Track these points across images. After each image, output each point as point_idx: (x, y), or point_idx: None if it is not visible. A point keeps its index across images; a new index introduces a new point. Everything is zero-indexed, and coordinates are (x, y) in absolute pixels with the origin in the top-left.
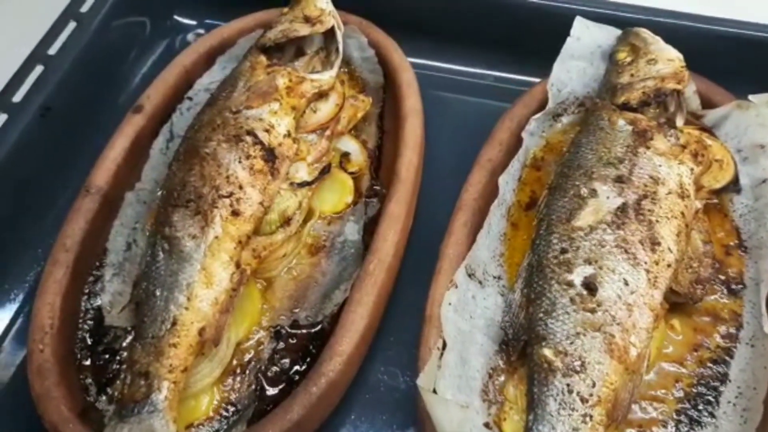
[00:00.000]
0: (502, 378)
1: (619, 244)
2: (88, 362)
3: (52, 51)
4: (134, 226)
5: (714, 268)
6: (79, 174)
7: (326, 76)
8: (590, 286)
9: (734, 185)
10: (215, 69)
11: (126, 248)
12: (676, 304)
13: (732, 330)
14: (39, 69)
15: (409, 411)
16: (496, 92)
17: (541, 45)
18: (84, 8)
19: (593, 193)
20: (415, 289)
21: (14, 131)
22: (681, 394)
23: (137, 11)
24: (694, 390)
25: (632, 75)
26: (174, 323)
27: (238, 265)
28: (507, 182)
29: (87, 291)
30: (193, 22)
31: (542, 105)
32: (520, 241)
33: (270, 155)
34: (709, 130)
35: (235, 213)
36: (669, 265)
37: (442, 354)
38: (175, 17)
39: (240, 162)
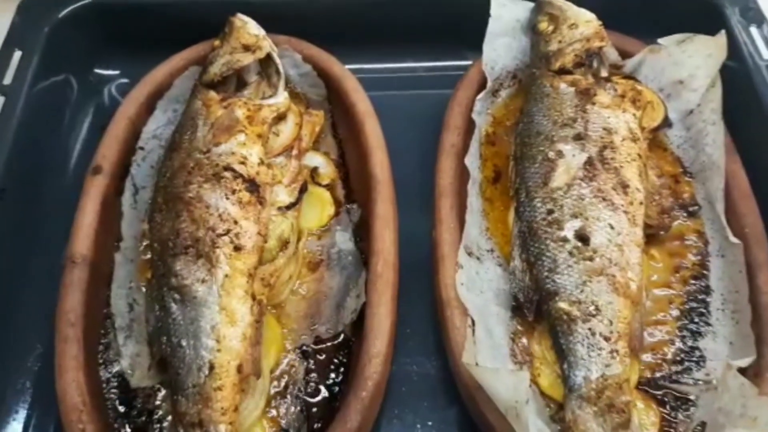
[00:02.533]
0: (524, 340)
1: (596, 194)
2: (128, 429)
3: None
4: (130, 286)
5: (672, 197)
6: (52, 246)
7: (281, 99)
8: (583, 237)
9: (666, 121)
10: (158, 114)
11: (129, 309)
12: (650, 235)
13: (701, 247)
14: None
15: (446, 392)
16: (432, 81)
17: (464, 30)
18: (7, 80)
19: (559, 154)
20: (415, 279)
21: None
22: (677, 312)
23: (58, 71)
24: (687, 306)
25: (560, 41)
26: (212, 368)
27: (253, 297)
28: (472, 162)
29: (102, 360)
30: (116, 72)
31: (481, 85)
32: (498, 213)
33: (252, 185)
34: (632, 78)
35: (238, 248)
36: (641, 203)
37: (473, 331)
38: (96, 70)
39: (227, 198)
